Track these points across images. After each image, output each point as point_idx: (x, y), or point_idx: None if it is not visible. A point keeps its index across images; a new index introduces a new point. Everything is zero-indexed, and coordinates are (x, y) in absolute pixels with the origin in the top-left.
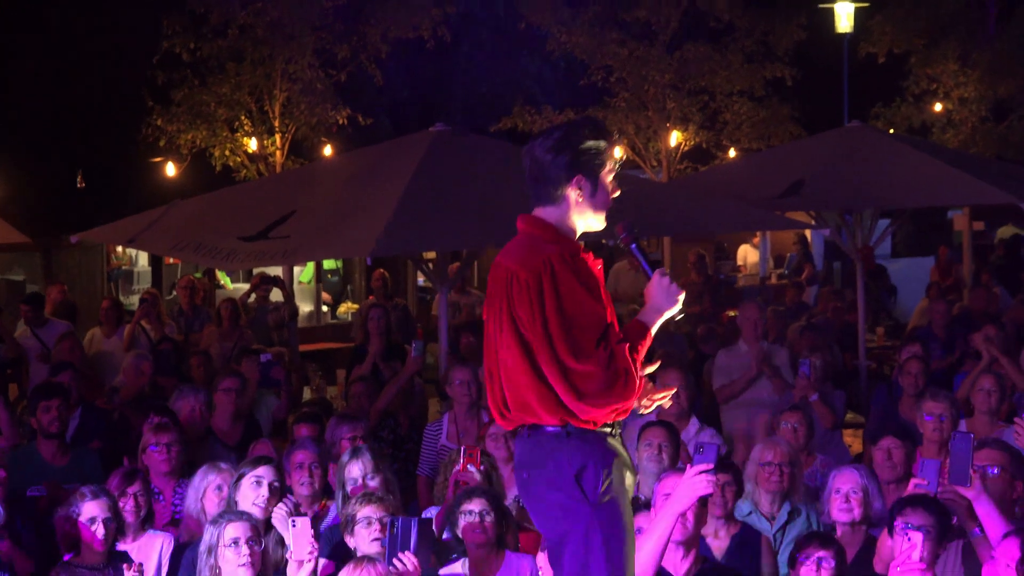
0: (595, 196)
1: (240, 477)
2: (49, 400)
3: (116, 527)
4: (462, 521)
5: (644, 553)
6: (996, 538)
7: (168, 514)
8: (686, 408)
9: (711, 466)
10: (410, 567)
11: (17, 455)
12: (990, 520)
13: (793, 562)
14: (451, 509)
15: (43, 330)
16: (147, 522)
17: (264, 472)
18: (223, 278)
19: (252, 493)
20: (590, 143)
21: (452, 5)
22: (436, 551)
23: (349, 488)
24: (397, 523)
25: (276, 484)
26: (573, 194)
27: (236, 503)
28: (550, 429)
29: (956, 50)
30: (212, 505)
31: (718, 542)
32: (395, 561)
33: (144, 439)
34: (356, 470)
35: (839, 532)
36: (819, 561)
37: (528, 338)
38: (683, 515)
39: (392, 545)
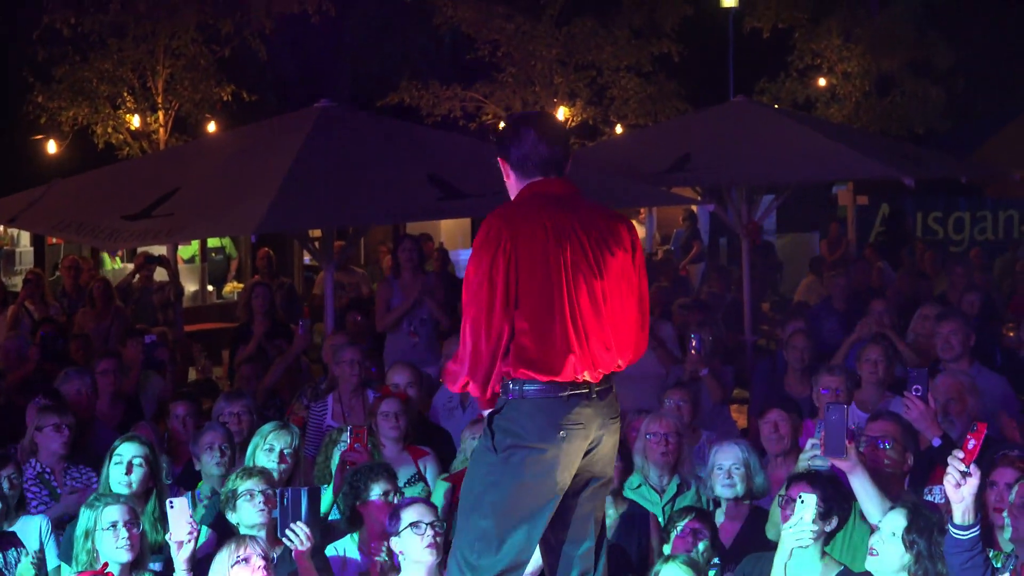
0: None
1: (109, 457)
2: None
3: (4, 510)
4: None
5: None
6: (871, 510)
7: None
8: None
9: None
10: (303, 537)
11: None
12: (865, 492)
13: (668, 534)
14: (351, 490)
15: None
16: (20, 507)
17: (125, 450)
18: (106, 260)
19: (117, 472)
20: None
21: None
22: (323, 525)
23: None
24: (287, 494)
25: (140, 459)
26: None
27: (108, 485)
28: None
29: (839, 25)
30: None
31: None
32: (287, 532)
33: (38, 420)
34: (281, 442)
35: (724, 507)
36: (694, 533)
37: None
38: None
39: (283, 516)
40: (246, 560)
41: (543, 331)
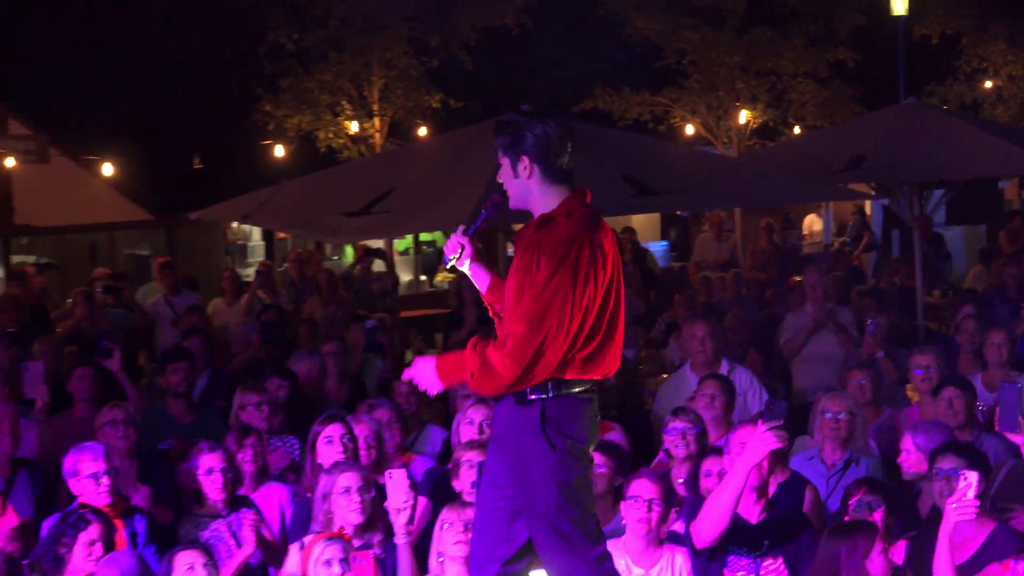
0: None
1: (315, 436)
2: (176, 363)
3: (233, 477)
4: None
5: (723, 499)
6: None
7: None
8: (711, 356)
9: (781, 422)
10: None
11: (148, 413)
12: None
13: (845, 506)
14: None
15: (177, 299)
16: (264, 473)
17: (332, 431)
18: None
19: (324, 449)
20: None
21: None
22: None
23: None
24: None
25: (347, 438)
26: None
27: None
28: None
29: (1005, 31)
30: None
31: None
32: None
33: (240, 399)
34: (478, 415)
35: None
36: (869, 505)
37: None
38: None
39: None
40: (450, 524)
41: (601, 338)
